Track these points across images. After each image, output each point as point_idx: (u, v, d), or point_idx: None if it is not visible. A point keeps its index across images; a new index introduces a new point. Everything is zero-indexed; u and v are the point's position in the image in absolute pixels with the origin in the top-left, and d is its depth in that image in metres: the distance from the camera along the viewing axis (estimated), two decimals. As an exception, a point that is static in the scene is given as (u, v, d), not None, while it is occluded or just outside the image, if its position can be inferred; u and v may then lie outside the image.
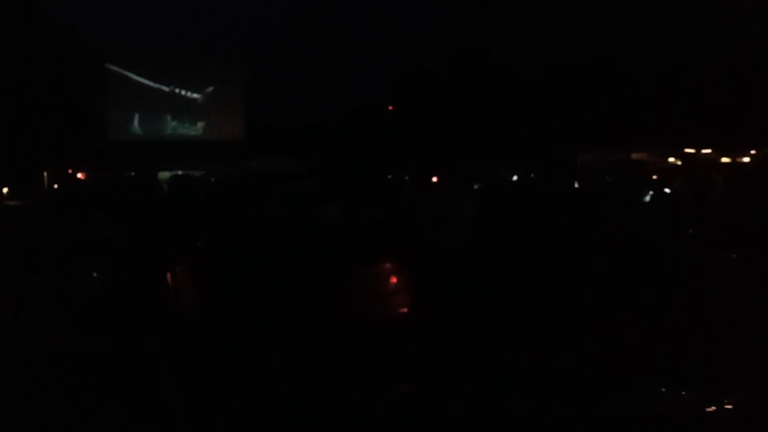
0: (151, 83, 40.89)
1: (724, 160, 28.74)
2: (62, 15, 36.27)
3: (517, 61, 38.59)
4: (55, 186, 29.91)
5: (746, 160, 28.43)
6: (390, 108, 40.30)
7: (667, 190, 16.72)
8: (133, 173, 28.37)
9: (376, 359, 5.48)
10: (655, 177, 20.35)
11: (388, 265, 6.73)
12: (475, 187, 18.25)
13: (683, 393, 4.45)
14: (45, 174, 31.24)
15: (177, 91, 41.60)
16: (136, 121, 40.25)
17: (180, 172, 27.36)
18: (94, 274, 8.42)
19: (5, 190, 27.30)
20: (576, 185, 19.79)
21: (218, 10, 57.20)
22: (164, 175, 26.16)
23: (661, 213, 13.22)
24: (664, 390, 4.50)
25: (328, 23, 55.85)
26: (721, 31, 32.25)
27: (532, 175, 25.04)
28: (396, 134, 36.75)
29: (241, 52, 42.62)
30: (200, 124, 42.22)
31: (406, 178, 25.87)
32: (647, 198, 15.43)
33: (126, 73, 40.18)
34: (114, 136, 38.43)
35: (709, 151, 30.76)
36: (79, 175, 29.00)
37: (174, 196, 14.15)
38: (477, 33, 39.56)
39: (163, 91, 41.26)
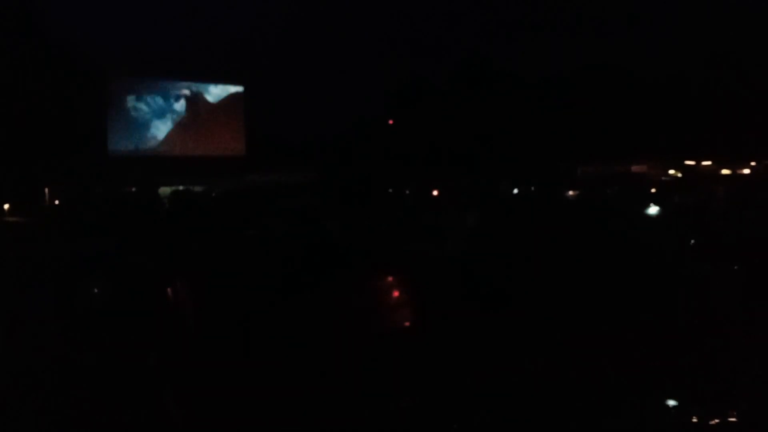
0: (151, 98, 41.02)
1: (725, 171, 28.79)
2: (63, 31, 36.34)
3: (517, 74, 38.71)
4: (56, 202, 29.94)
5: (746, 171, 28.49)
6: (390, 122, 40.36)
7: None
8: (134, 189, 28.44)
9: (377, 374, 5.46)
10: (653, 190, 20.36)
11: (389, 280, 6.73)
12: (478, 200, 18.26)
13: (686, 406, 4.44)
14: (46, 190, 31.26)
15: (177, 106, 41.73)
16: (136, 137, 40.33)
17: (181, 188, 27.39)
18: (95, 290, 8.40)
19: (6, 206, 27.28)
20: (576, 197, 19.80)
21: (218, 26, 57.40)
22: (165, 190, 26.21)
23: (662, 225, 13.22)
24: (667, 403, 4.49)
25: (328, 38, 56.06)
26: (722, 44, 32.40)
27: (533, 188, 25.03)
28: (396, 148, 36.78)
29: (241, 68, 42.67)
30: (201, 139, 42.28)
31: (407, 192, 25.94)
32: (648, 210, 15.43)
33: (127, 88, 40.31)
34: (115, 151, 38.51)
35: (709, 162, 30.82)
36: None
37: (175, 211, 14.17)
38: (476, 45, 39.73)
39: (164, 106, 41.39)
